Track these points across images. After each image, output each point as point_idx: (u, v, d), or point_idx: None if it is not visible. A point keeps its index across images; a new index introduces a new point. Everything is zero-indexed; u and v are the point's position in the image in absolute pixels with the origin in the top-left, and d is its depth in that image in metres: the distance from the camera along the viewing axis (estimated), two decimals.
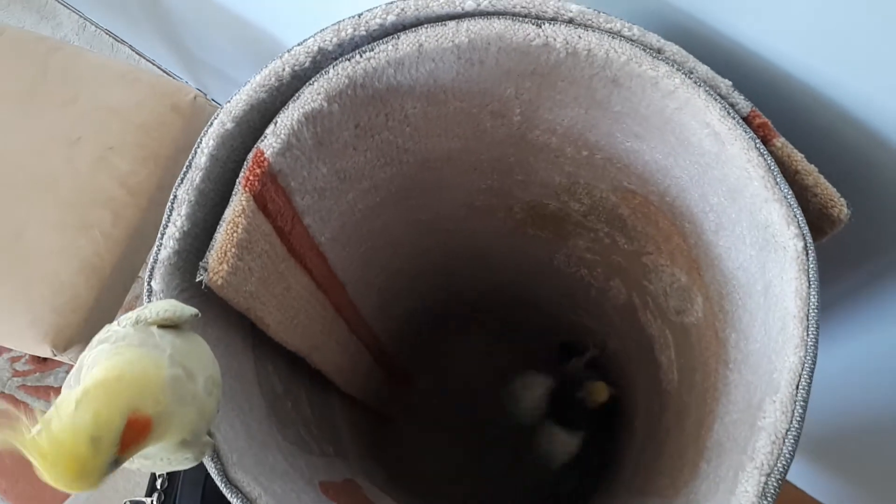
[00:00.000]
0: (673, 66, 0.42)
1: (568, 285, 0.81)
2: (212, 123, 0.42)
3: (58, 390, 1.28)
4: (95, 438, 0.29)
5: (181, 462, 0.36)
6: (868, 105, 0.43)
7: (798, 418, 0.36)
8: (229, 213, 0.41)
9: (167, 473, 0.84)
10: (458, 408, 1.07)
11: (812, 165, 0.42)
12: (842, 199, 0.41)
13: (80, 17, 1.37)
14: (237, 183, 0.42)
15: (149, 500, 0.83)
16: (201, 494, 0.80)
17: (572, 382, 0.84)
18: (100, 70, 0.83)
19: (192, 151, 0.42)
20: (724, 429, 0.45)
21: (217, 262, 0.40)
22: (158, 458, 0.35)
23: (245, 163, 0.42)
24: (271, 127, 0.42)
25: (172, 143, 0.80)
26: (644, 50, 0.42)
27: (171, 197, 0.42)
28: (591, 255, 0.71)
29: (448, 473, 1.05)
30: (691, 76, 0.42)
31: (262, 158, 0.42)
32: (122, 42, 1.30)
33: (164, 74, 0.85)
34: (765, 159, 0.40)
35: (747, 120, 0.42)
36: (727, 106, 0.41)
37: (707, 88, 0.42)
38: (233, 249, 0.41)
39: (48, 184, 0.77)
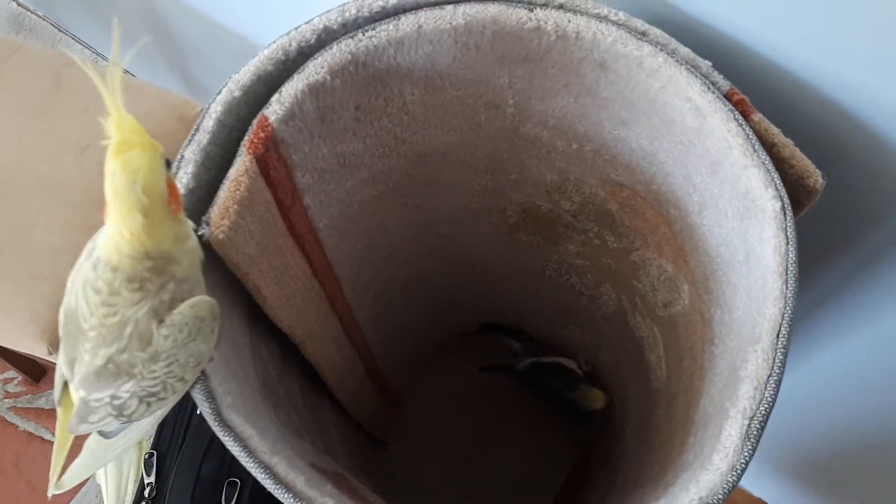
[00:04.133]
0: (656, 46, 0.45)
1: (560, 297, 0.82)
2: (220, 91, 0.45)
3: (49, 412, 1.27)
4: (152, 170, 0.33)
5: (193, 367, 0.37)
6: (843, 86, 0.45)
7: (779, 364, 0.37)
8: (233, 172, 0.43)
9: (154, 482, 0.83)
10: (452, 437, 1.07)
11: (788, 139, 0.44)
12: (817, 170, 0.43)
13: (92, 51, 1.42)
14: (241, 145, 0.44)
15: None
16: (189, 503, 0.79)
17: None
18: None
19: (200, 116, 0.44)
20: (710, 400, 0.46)
21: (219, 216, 0.42)
22: (175, 359, 0.36)
23: (250, 127, 0.44)
24: (276, 95, 0.45)
25: (178, 152, 0.82)
26: (629, 32, 0.45)
27: (179, 157, 0.44)
28: (582, 261, 0.72)
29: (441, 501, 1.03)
30: (674, 56, 0.45)
31: (266, 123, 0.44)
32: (132, 75, 1.34)
33: (172, 91, 0.88)
34: (743, 129, 0.42)
35: (726, 97, 0.44)
36: (707, 82, 0.44)
37: (689, 67, 0.44)
38: (234, 206, 0.42)
39: (57, 187, 0.79)
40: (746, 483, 1.07)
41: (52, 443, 1.19)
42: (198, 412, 0.83)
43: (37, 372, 1.21)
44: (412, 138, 0.57)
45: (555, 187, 0.63)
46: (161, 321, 0.35)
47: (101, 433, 0.40)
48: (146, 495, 0.82)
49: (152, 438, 0.84)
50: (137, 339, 0.35)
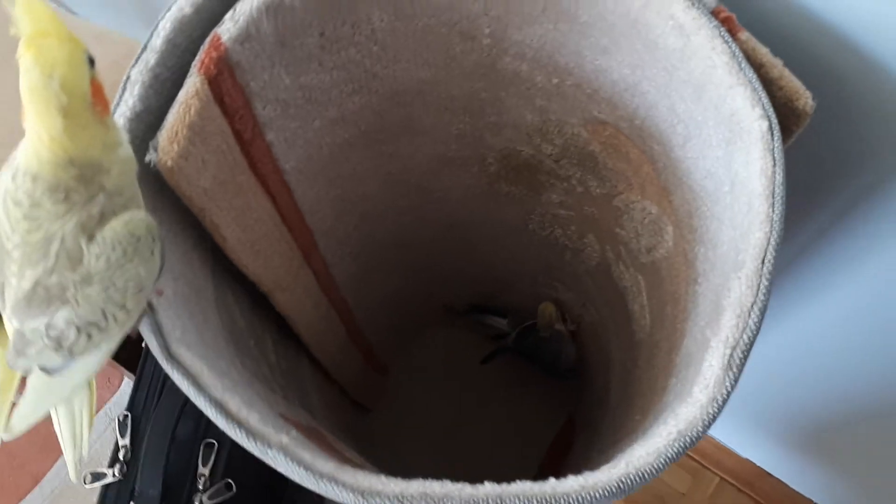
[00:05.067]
0: None
1: (544, 253, 0.79)
2: (170, 8, 0.41)
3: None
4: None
5: (133, 293, 0.34)
6: (838, 7, 0.43)
7: (764, 292, 0.35)
8: (182, 95, 0.40)
9: (129, 444, 0.81)
10: (439, 406, 1.05)
11: (777, 59, 0.41)
12: (807, 91, 0.41)
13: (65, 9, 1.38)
14: (192, 66, 0.41)
15: (110, 470, 0.80)
16: (164, 466, 0.77)
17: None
18: (77, 31, 0.82)
19: (149, 35, 0.41)
20: (692, 340, 0.44)
21: (167, 141, 0.39)
22: (112, 283, 0.33)
23: (202, 47, 0.41)
24: (230, 13, 0.41)
25: None
26: None
27: (125, 77, 0.41)
28: (565, 211, 0.70)
29: (424, 471, 1.02)
30: None
31: (218, 42, 0.41)
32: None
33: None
34: (729, 46, 0.40)
35: (712, 15, 0.42)
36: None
37: None
38: (184, 131, 0.39)
39: (20, 136, 0.76)
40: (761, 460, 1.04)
41: None
42: None
43: None
44: (383, 73, 0.54)
45: (535, 129, 0.60)
46: (91, 238, 0.32)
47: (44, 369, 0.37)
48: (121, 457, 0.79)
49: (127, 400, 0.81)
50: (66, 259, 0.32)
